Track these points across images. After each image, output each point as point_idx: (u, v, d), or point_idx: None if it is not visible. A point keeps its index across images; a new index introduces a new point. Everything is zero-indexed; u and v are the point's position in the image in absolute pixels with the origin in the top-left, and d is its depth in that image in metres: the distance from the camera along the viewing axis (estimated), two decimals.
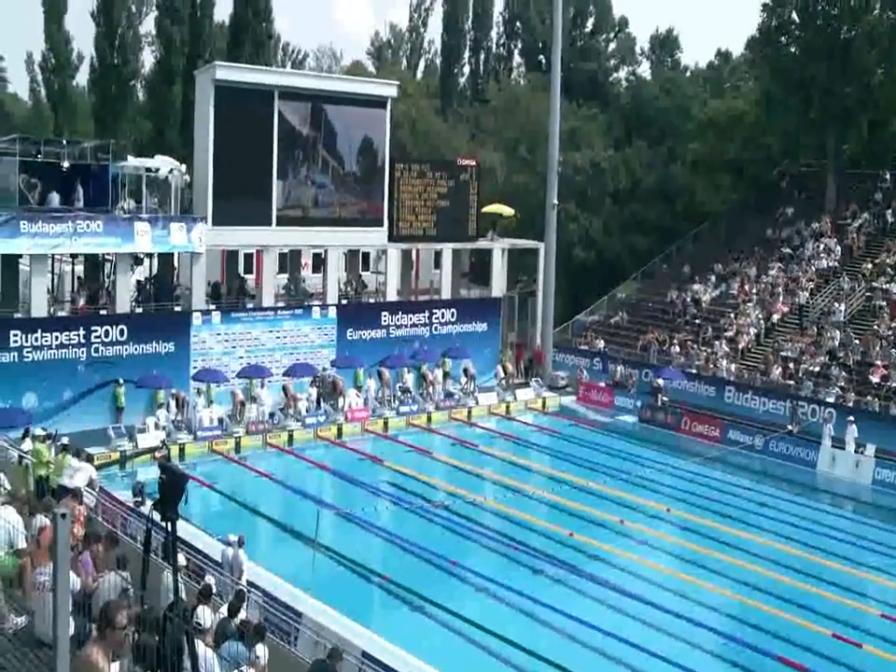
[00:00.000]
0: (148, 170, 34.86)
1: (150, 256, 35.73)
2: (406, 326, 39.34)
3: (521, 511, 27.70)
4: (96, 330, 31.58)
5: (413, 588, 21.91)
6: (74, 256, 34.63)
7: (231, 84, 34.45)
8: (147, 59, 67.82)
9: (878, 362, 36.44)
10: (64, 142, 34.93)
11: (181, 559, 14.93)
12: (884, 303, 39.85)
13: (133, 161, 36.28)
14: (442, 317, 40.51)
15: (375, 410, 36.25)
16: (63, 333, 30.96)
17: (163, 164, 35.76)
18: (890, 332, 38.06)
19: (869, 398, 34.98)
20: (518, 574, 23.44)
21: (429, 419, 37.11)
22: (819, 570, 24.30)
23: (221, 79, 34.23)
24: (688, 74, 73.12)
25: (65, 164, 32.57)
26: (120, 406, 31.74)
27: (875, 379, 35.73)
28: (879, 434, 32.81)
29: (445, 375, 39.55)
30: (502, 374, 41.09)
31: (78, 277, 35.80)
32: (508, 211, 45.26)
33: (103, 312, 32.77)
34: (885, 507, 30.45)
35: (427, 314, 40.15)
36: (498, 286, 42.86)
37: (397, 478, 30.58)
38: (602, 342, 44.81)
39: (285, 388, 34.86)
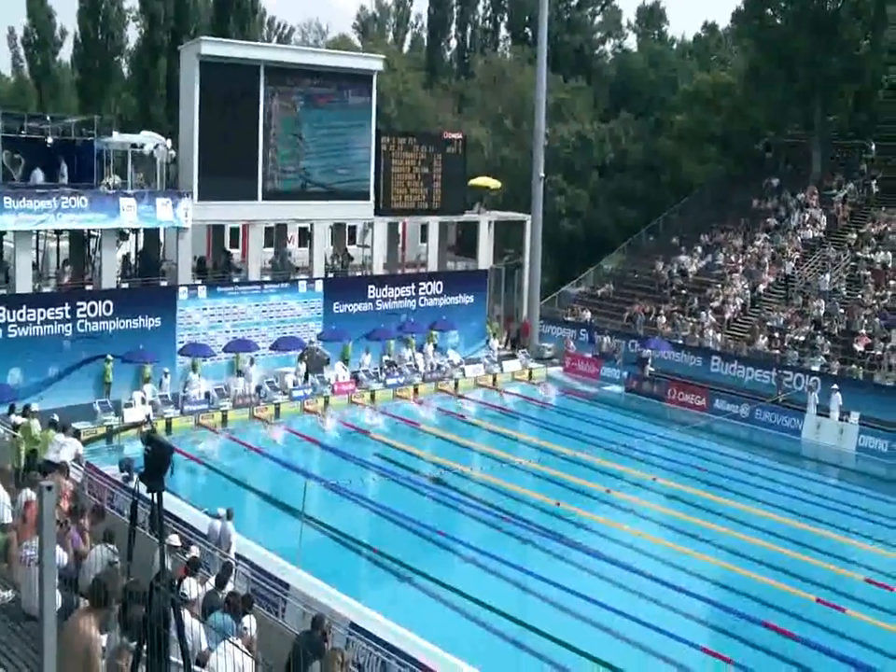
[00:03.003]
0: (133, 145, 34.70)
1: (136, 231, 35.64)
2: (393, 299, 39.33)
3: (508, 481, 27.81)
4: (82, 306, 31.50)
5: (401, 559, 22.03)
6: (59, 232, 34.52)
7: (217, 59, 34.22)
8: (132, 34, 67.39)
9: (862, 331, 36.68)
10: (48, 118, 34.80)
11: (175, 539, 15.05)
12: (868, 273, 40.05)
13: (117, 136, 36.12)
14: (429, 290, 40.54)
15: (362, 382, 36.32)
16: (49, 309, 30.86)
17: (148, 140, 35.62)
18: (874, 301, 38.27)
19: (853, 366, 35.26)
20: (506, 544, 23.64)
21: (416, 391, 37.20)
22: (803, 537, 24.53)
23: (207, 54, 34.01)
24: (674, 46, 72.97)
25: (49, 140, 32.42)
26: (108, 381, 31.74)
27: (859, 347, 35.97)
28: (863, 402, 33.07)
29: (434, 348, 39.67)
30: (497, 345, 41.32)
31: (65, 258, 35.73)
32: (494, 184, 45.24)
33: (88, 287, 32.73)
34: (868, 473, 30.80)
35: (413, 287, 40.15)
36: (485, 258, 42.89)
37: (384, 450, 30.70)
38: (589, 313, 44.91)
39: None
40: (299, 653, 11.18)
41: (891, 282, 39.05)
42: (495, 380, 39.59)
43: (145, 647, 7.63)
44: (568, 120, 58.85)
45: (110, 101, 63.06)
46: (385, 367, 37.53)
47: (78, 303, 31.51)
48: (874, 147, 47.72)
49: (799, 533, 24.79)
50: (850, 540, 24.88)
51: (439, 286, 40.85)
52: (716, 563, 23.06)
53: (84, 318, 31.52)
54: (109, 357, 31.62)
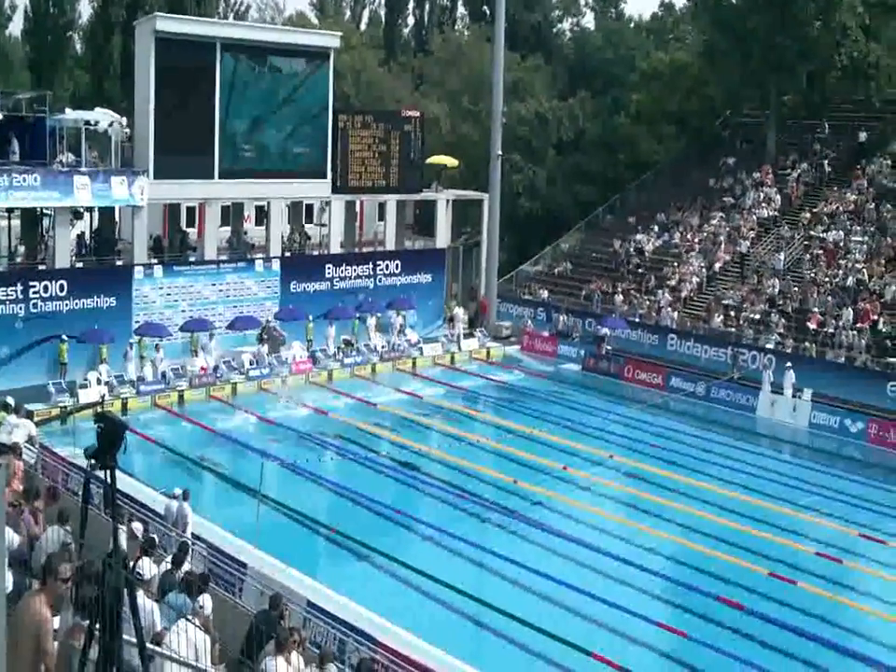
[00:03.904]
0: (87, 123, 34.26)
1: (90, 210, 35.25)
2: (350, 278, 39.25)
3: (466, 459, 27.94)
4: (34, 286, 31.11)
5: (358, 538, 22.05)
6: (10, 210, 34.01)
7: (173, 36, 33.87)
8: (85, 9, 66.42)
9: (815, 309, 37.10)
10: None
11: (139, 528, 14.96)
12: (821, 252, 40.48)
13: (71, 113, 35.65)
14: (387, 269, 40.46)
15: (319, 362, 36.20)
16: (0, 289, 30.49)
17: (103, 117, 35.17)
18: (827, 280, 38.70)
19: (806, 344, 35.69)
20: (463, 522, 23.74)
21: (374, 370, 37.19)
22: (757, 512, 24.88)
23: (162, 31, 33.63)
24: (632, 25, 73.05)
25: (0, 116, 31.92)
26: (64, 362, 31.38)
27: (812, 326, 36.41)
28: (816, 379, 33.51)
29: (401, 327, 39.68)
30: (464, 319, 41.22)
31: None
32: (452, 162, 45.20)
33: (41, 267, 32.36)
34: (821, 449, 31.29)
35: (371, 265, 40.06)
36: (443, 237, 42.88)
37: (341, 429, 30.66)
38: (546, 292, 45.08)
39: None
40: (255, 632, 11.21)
41: (842, 261, 39.50)
42: (453, 359, 39.67)
43: (98, 625, 7.60)
44: (526, 99, 58.81)
45: (63, 77, 62.12)
46: (343, 346, 37.44)
47: (31, 283, 31.14)
48: (826, 127, 48.22)
49: (753, 508, 25.12)
50: (802, 515, 25.22)
51: (397, 265, 40.79)
52: (672, 539, 23.33)
53: (37, 298, 31.17)
54: (64, 337, 31.28)
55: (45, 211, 33.70)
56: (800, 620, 19.26)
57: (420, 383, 36.72)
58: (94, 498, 13.45)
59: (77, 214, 34.60)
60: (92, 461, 20.23)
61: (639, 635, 18.53)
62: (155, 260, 34.67)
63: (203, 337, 34.36)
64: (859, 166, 45.12)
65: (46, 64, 60.94)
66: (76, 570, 8.82)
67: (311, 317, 36.82)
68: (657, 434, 31.44)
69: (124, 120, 35.07)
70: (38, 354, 31.20)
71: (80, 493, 14.58)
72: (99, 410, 27.75)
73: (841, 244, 40.59)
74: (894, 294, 36.68)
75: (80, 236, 35.42)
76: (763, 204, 45.34)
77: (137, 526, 14.86)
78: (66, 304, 31.76)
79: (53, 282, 31.52)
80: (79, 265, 33.24)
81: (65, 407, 29.52)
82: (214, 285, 35.51)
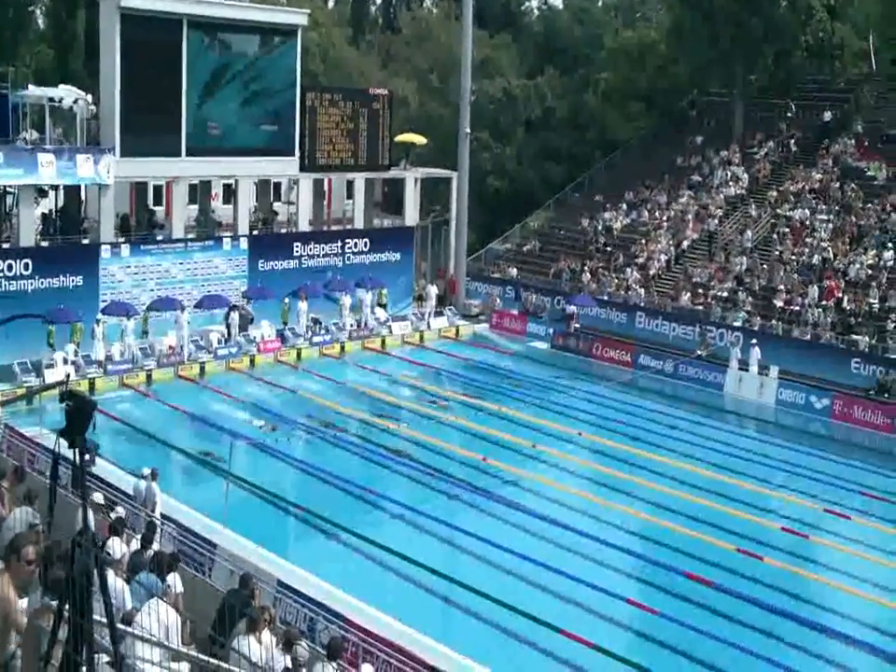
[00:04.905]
0: (52, 100, 33.85)
1: (56, 188, 34.85)
2: (318, 256, 39.10)
3: (435, 437, 27.97)
4: None
5: (328, 517, 22.07)
6: None
7: (138, 12, 33.36)
8: None
9: (781, 287, 37.35)
10: None
11: (99, 497, 14.90)
12: (787, 230, 40.73)
13: (34, 90, 35.18)
14: (355, 247, 40.33)
15: (288, 340, 36.06)
16: None
17: (67, 94, 34.72)
18: (793, 258, 38.96)
19: (773, 321, 35.95)
20: (433, 500, 23.81)
21: (343, 349, 37.11)
22: (725, 488, 25.08)
23: (127, 7, 33.13)
24: (600, 3, 73.00)
25: None
26: (51, 343, 30.90)
27: (778, 303, 36.67)
28: (782, 356, 33.78)
29: (382, 306, 39.64)
30: (436, 292, 41.11)
31: None
32: (420, 140, 45.05)
33: (5, 245, 31.96)
34: (787, 426, 31.59)
35: (339, 243, 39.91)
36: (412, 215, 42.77)
37: (310, 408, 30.59)
38: (515, 270, 45.12)
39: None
40: (226, 612, 11.19)
41: (808, 239, 39.77)
42: (422, 337, 39.63)
43: (67, 606, 7.54)
44: (494, 77, 58.72)
45: (25, 53, 61.19)
46: (312, 325, 37.29)
47: None
48: (793, 106, 48.46)
49: (721, 485, 25.32)
50: (769, 491, 25.52)
51: (365, 243, 40.68)
52: (641, 516, 23.51)
53: (1, 277, 30.79)
54: (50, 320, 30.73)
55: (8, 189, 33.26)
56: (766, 594, 19.47)
57: (389, 361, 36.68)
58: (62, 479, 13.34)
59: (41, 192, 34.20)
60: (63, 439, 19.88)
61: (608, 611, 18.65)
62: (122, 239, 34.35)
63: (153, 317, 33.83)
64: (824, 145, 45.39)
65: (7, 40, 59.94)
66: (44, 550, 8.75)
67: (287, 300, 36.57)
68: (626, 411, 31.61)
69: (89, 97, 34.64)
70: (2, 334, 30.73)
71: (48, 473, 14.50)
72: (65, 388, 27.62)
73: (807, 222, 40.86)
74: (858, 272, 37.00)
75: (46, 215, 35.00)
76: (731, 183, 45.54)
77: (97, 496, 14.81)
78: (31, 283, 31.38)
79: (18, 261, 31.14)
80: (45, 244, 32.86)
81: (31, 387, 29.22)
82: (182, 263, 35.24)
